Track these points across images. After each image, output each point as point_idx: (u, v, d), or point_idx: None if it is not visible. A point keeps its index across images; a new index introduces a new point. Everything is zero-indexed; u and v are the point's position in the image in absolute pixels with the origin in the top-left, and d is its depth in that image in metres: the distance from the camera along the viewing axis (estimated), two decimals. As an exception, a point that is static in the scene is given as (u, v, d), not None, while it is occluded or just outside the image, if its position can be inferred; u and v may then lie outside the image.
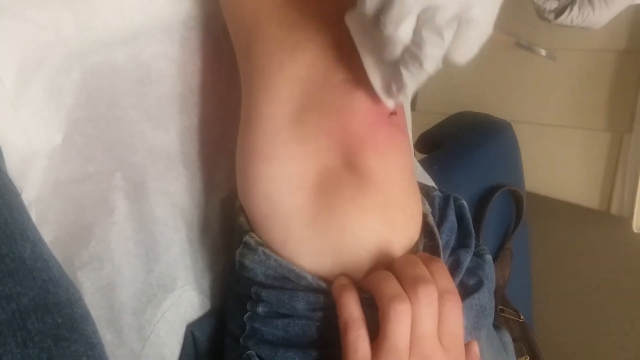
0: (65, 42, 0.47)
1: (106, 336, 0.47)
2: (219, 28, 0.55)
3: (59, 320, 0.29)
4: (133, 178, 0.50)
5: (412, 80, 0.39)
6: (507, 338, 0.60)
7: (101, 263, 0.47)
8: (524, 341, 0.71)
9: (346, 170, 0.44)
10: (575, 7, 0.48)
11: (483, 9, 0.34)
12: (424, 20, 0.34)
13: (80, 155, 0.49)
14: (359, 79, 0.44)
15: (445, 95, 1.09)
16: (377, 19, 0.36)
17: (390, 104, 0.44)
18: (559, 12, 0.49)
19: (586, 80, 0.98)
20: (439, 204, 0.52)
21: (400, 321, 0.38)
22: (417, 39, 0.35)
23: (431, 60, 0.36)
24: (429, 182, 0.67)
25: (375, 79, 0.42)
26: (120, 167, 0.50)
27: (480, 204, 0.73)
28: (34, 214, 0.46)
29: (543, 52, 0.46)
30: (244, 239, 0.46)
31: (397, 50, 0.37)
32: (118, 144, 0.50)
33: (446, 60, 0.38)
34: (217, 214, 0.54)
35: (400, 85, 0.40)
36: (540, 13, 0.50)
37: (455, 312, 0.41)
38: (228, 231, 0.54)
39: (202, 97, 0.55)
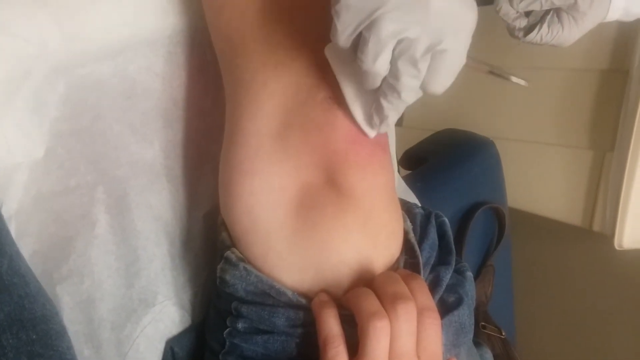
0: (51, 56, 0.48)
1: (84, 351, 0.46)
2: (204, 43, 0.55)
3: (34, 337, 0.29)
4: (115, 192, 0.50)
5: (393, 111, 0.41)
6: (489, 355, 0.60)
7: (81, 277, 0.47)
8: (506, 358, 0.71)
9: (328, 187, 0.45)
10: (545, 25, 0.49)
11: (454, 40, 0.35)
12: (399, 52, 0.36)
13: (62, 168, 0.49)
14: (341, 97, 0.45)
15: (430, 112, 1.10)
16: (354, 53, 0.37)
17: (371, 134, 0.45)
18: (528, 30, 0.50)
19: (569, 99, 1.00)
20: (420, 221, 0.52)
21: (379, 338, 0.39)
22: (394, 71, 0.37)
23: (408, 90, 0.38)
24: (412, 199, 0.68)
25: (357, 110, 0.44)
26: (102, 181, 0.50)
27: (463, 221, 0.73)
28: (13, 227, 0.45)
29: (514, 79, 0.47)
30: (225, 254, 0.46)
31: (377, 82, 0.38)
32: (101, 158, 0.50)
33: (424, 91, 0.39)
34: (200, 229, 0.54)
35: (382, 117, 0.41)
36: (511, 31, 0.51)
37: (434, 330, 0.41)
38: (210, 246, 0.54)
39: (186, 112, 0.55)
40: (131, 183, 0.51)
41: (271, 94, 0.45)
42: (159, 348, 0.50)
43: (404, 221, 0.49)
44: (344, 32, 0.36)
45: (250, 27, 0.46)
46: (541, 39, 0.51)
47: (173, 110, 0.54)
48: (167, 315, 0.50)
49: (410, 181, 0.70)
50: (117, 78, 0.51)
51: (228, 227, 0.47)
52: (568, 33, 0.50)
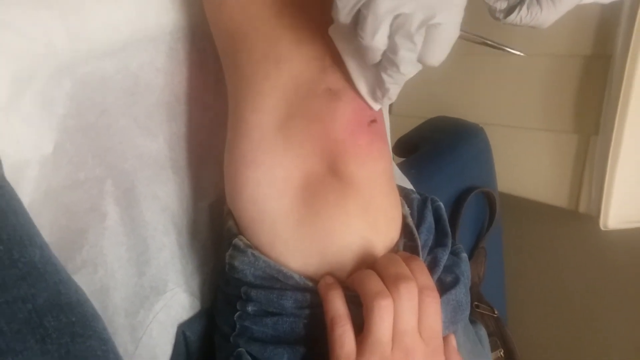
0: (57, 54, 0.49)
1: (100, 338, 0.48)
2: (204, 38, 0.56)
3: (73, 319, 0.31)
4: (123, 184, 0.52)
5: (394, 84, 0.43)
6: (483, 332, 0.63)
7: (94, 267, 0.48)
8: (498, 335, 0.74)
9: (330, 175, 0.47)
10: (524, 7, 0.51)
11: (447, 14, 0.37)
12: (396, 27, 0.38)
13: (71, 163, 0.50)
14: (341, 89, 0.47)
15: (419, 99, 1.12)
16: (354, 30, 0.39)
17: (376, 107, 0.47)
18: (508, 11, 0.53)
19: (554, 85, 1.01)
20: (417, 206, 0.55)
21: (383, 316, 0.41)
22: (391, 46, 0.39)
23: (406, 63, 0.40)
24: (408, 185, 0.70)
25: (361, 84, 0.46)
26: (110, 174, 0.51)
27: (456, 205, 0.76)
28: (27, 221, 0.47)
29: (509, 49, 0.49)
30: (234, 241, 0.48)
31: (377, 56, 0.40)
32: (108, 152, 0.52)
33: (422, 64, 0.41)
34: (206, 218, 0.56)
35: (384, 90, 0.44)
36: (492, 12, 0.54)
37: (434, 307, 0.44)
38: (216, 235, 0.55)
39: (188, 106, 0.57)
40: (138, 175, 0.53)
41: (273, 87, 0.47)
42: (171, 333, 0.51)
43: (402, 206, 0.52)
44: (343, 8, 0.38)
45: (252, 22, 0.48)
46: (520, 20, 0.53)
47: (175, 104, 0.56)
48: (177, 301, 0.52)
49: (404, 168, 0.72)
50: (120, 74, 0.53)
51: (234, 216, 0.49)
52: (546, 15, 0.52)
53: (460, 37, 0.41)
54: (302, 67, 0.47)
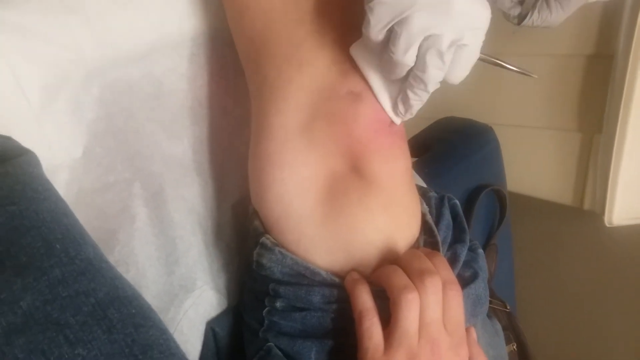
0: (86, 61, 0.50)
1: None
2: (225, 43, 0.58)
3: (133, 311, 0.33)
4: (152, 186, 0.53)
5: (417, 101, 0.45)
6: (498, 326, 0.64)
7: (127, 267, 0.50)
8: (511, 330, 0.75)
9: (353, 174, 0.48)
10: (536, 12, 0.56)
11: (473, 36, 0.40)
12: (427, 46, 0.40)
13: (101, 166, 0.52)
14: (362, 91, 0.48)
15: (429, 100, 1.12)
16: (385, 47, 0.41)
17: (398, 121, 0.49)
18: (522, 17, 0.57)
19: (558, 84, 1.02)
20: (435, 204, 0.56)
21: (411, 308, 0.43)
22: (420, 64, 0.41)
23: (433, 81, 0.42)
24: (421, 184, 0.72)
25: (385, 100, 0.48)
26: (139, 177, 0.53)
27: (468, 203, 0.77)
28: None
29: (521, 70, 0.52)
30: (261, 240, 0.49)
31: (403, 72, 0.43)
32: (136, 155, 0.53)
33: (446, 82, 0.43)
34: (229, 219, 0.58)
35: (408, 106, 0.46)
36: (507, 19, 0.58)
37: (457, 301, 0.45)
38: (240, 234, 0.57)
39: (210, 110, 0.58)
40: (165, 178, 0.54)
41: (296, 90, 0.48)
42: (200, 329, 0.53)
43: (421, 204, 0.53)
44: (376, 25, 0.40)
45: (273, 28, 0.49)
46: (533, 23, 0.57)
47: (198, 109, 0.58)
48: (205, 299, 0.54)
49: (417, 167, 0.74)
50: (145, 80, 0.54)
51: (260, 215, 0.51)
52: (556, 16, 0.56)
53: (480, 60, 0.44)
54: (324, 71, 0.48)
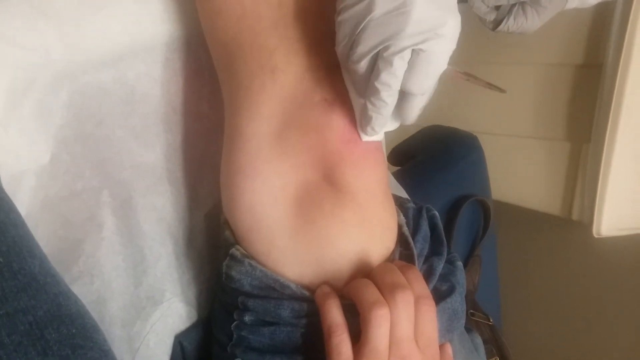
0: (54, 64, 0.49)
1: (97, 348, 0.48)
2: (200, 49, 0.57)
3: (73, 330, 0.31)
4: (120, 194, 0.52)
5: (375, 112, 0.43)
6: (478, 340, 0.63)
7: (91, 278, 0.48)
8: (494, 343, 0.74)
9: (326, 185, 0.47)
10: (511, 18, 0.55)
11: (434, 43, 0.39)
12: (380, 53, 0.39)
13: (68, 173, 0.50)
14: (337, 98, 0.47)
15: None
16: (347, 57, 0.41)
17: (364, 138, 0.47)
18: (497, 22, 0.56)
19: (547, 93, 1.02)
20: (412, 215, 0.55)
21: (380, 325, 0.41)
22: (375, 70, 0.40)
23: (387, 88, 0.41)
24: (403, 194, 0.70)
25: (356, 114, 0.47)
26: (107, 184, 0.52)
27: (451, 214, 0.76)
28: (24, 232, 0.47)
29: (491, 86, 0.51)
30: (230, 251, 0.48)
31: (365, 85, 0.42)
32: (105, 162, 0.52)
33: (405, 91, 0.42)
34: (202, 228, 0.56)
35: (367, 118, 0.44)
36: (483, 23, 0.57)
37: (430, 316, 0.44)
38: (212, 245, 0.56)
39: (184, 116, 0.57)
40: (135, 186, 0.53)
41: (269, 97, 0.47)
42: (168, 343, 0.52)
43: (398, 215, 0.52)
44: (342, 41, 0.40)
45: (247, 34, 0.48)
46: (508, 29, 0.57)
47: (172, 114, 0.56)
48: (174, 311, 0.52)
49: (399, 177, 0.73)
50: (117, 84, 0.53)
51: (231, 225, 0.50)
52: (531, 23, 0.56)
53: (445, 73, 0.42)
54: (298, 78, 0.47)
